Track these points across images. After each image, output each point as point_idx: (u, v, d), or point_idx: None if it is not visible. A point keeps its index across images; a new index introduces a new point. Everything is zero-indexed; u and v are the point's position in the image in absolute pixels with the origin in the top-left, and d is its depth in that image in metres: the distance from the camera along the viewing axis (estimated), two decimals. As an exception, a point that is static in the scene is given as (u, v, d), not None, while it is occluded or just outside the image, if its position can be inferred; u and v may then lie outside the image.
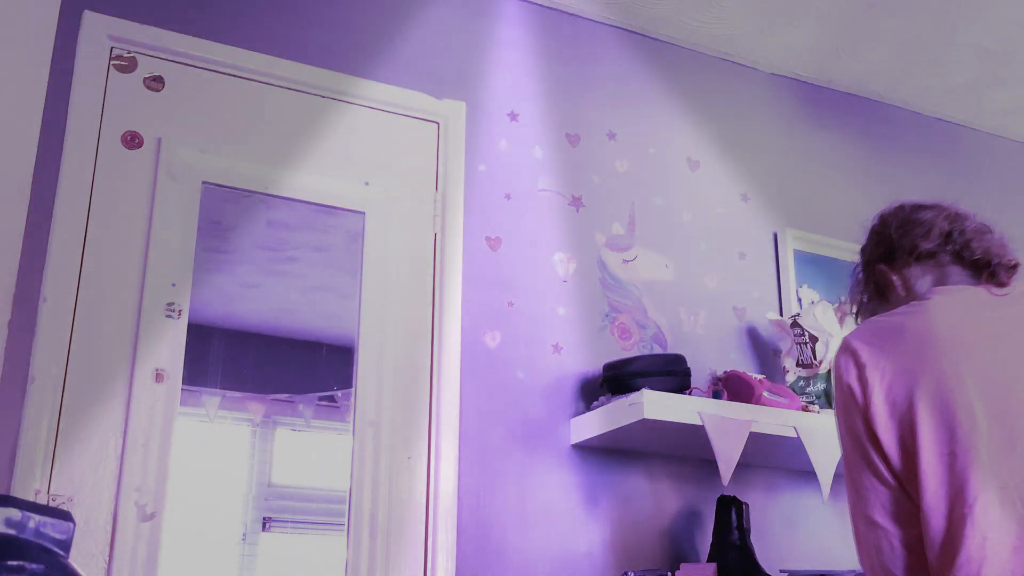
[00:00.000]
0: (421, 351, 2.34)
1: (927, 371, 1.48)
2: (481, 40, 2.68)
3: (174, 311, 2.11)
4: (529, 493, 2.33)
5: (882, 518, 1.49)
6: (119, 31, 2.22)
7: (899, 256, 1.71)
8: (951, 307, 1.59)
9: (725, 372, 2.49)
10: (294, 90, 2.39)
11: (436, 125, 2.53)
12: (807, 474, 2.44)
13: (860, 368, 1.53)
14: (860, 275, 1.81)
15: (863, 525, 1.52)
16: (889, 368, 1.50)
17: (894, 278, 1.71)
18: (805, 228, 2.97)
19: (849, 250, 3.03)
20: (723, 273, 2.80)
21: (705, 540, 2.44)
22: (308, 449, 2.65)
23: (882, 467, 1.49)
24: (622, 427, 2.25)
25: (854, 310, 1.82)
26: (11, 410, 1.91)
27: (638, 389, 2.23)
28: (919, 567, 1.46)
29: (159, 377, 2.06)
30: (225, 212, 2.33)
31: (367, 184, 2.41)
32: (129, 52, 2.23)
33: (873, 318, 1.67)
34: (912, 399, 1.47)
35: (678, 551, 2.44)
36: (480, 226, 2.50)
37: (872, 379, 1.51)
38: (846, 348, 1.57)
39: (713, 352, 2.67)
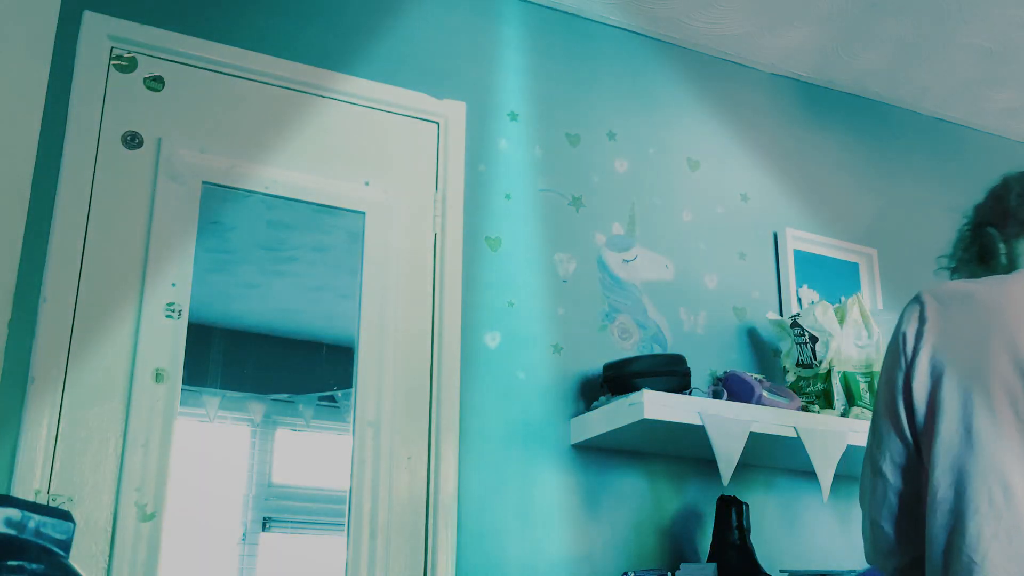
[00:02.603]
0: (421, 351, 2.34)
1: (978, 342, 1.46)
2: (481, 40, 2.68)
3: (174, 311, 2.11)
4: (529, 493, 2.33)
5: (888, 469, 1.50)
6: (119, 31, 2.22)
7: (1011, 225, 1.68)
8: None
9: (725, 372, 2.49)
10: (294, 90, 2.39)
11: (436, 125, 2.53)
12: (807, 474, 2.44)
13: (921, 322, 1.51)
14: (967, 233, 1.76)
15: (869, 470, 1.54)
16: (947, 330, 1.49)
17: (1000, 245, 1.67)
18: (805, 228, 2.97)
19: (849, 250, 3.04)
20: (723, 273, 2.80)
21: (705, 540, 2.44)
22: (308, 449, 2.65)
23: (905, 421, 1.49)
24: (622, 427, 2.25)
25: (951, 266, 1.78)
26: (11, 410, 1.91)
27: (638, 389, 2.23)
28: (910, 526, 1.47)
29: (159, 377, 2.06)
30: (225, 212, 2.33)
31: (367, 184, 2.41)
32: (129, 52, 2.23)
33: (952, 281, 1.64)
34: (951, 365, 1.46)
35: (678, 551, 2.44)
36: (480, 226, 2.50)
37: (928, 335, 1.49)
38: (917, 299, 1.55)
39: (713, 352, 2.67)
